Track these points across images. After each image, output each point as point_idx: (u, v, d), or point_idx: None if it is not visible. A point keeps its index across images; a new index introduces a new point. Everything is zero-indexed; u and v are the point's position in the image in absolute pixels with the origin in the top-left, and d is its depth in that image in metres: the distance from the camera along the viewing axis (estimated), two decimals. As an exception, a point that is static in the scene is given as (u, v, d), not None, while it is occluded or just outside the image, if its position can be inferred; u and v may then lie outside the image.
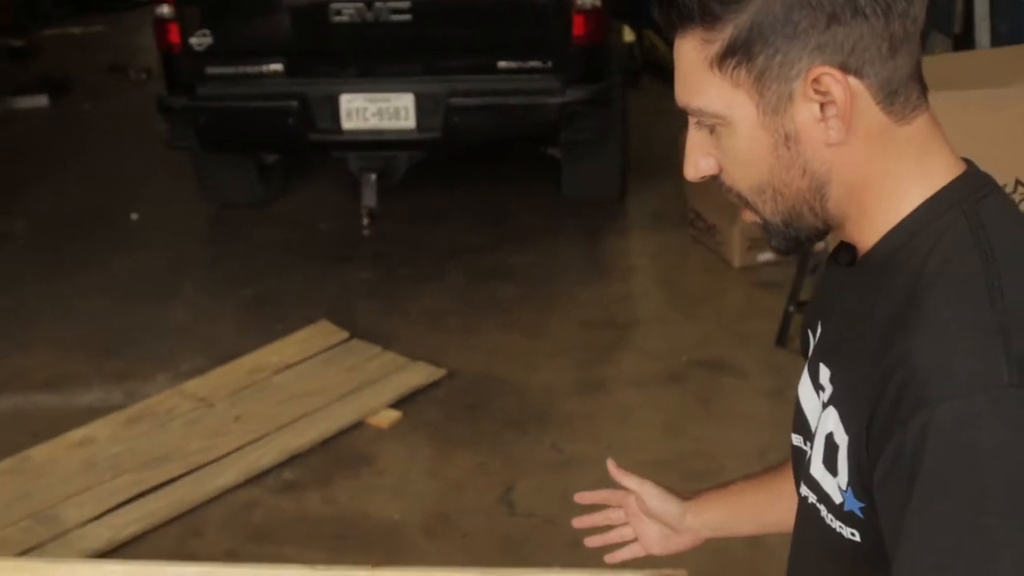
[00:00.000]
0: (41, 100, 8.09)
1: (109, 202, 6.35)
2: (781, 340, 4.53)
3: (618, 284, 5.34)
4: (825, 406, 1.22)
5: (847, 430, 1.16)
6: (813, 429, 1.26)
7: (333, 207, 6.17)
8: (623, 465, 1.79)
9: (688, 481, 3.68)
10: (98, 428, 4.05)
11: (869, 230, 1.18)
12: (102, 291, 5.32)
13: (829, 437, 1.20)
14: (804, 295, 4.45)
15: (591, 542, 1.93)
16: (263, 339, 4.69)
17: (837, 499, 1.19)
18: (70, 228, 6.05)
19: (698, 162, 1.22)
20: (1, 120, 7.74)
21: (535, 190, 6.13)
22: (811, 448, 1.25)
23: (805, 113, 1.13)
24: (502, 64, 5.20)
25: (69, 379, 4.54)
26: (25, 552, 3.36)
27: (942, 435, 1.03)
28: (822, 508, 1.23)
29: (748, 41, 1.12)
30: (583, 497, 1.89)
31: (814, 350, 1.31)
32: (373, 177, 5.38)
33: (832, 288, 1.30)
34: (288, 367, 4.45)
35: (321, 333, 4.71)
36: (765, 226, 1.22)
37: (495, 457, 3.92)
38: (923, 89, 1.17)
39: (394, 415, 4.14)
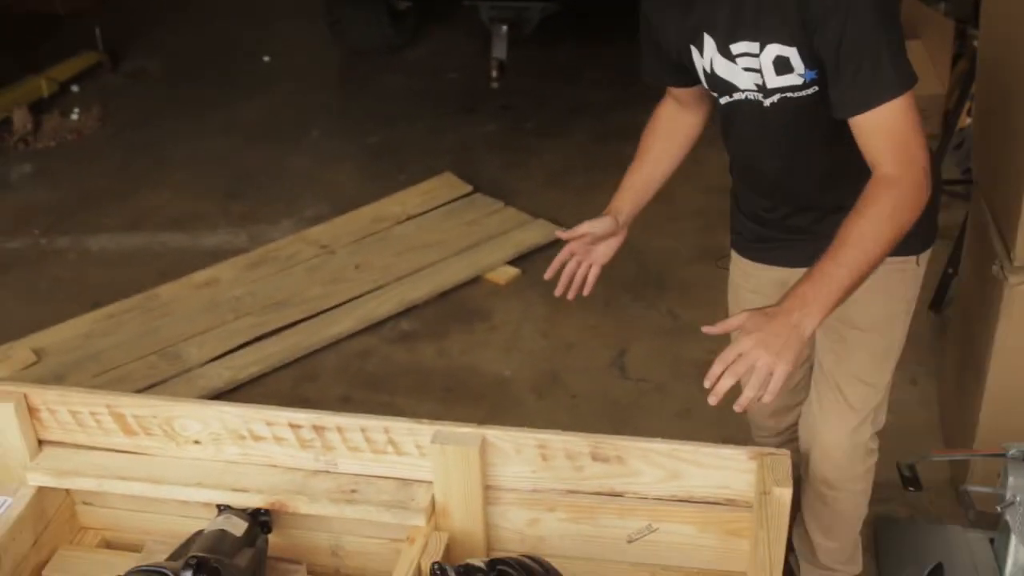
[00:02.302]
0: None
1: (242, 43, 6.39)
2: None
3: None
4: (762, 49, 1.99)
5: (791, 45, 1.96)
6: (744, 77, 2.07)
7: (462, 57, 6.10)
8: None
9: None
10: (222, 270, 4.14)
11: None
12: (231, 133, 5.38)
13: (777, 59, 1.99)
14: (944, 173, 4.28)
15: (558, 292, 2.48)
16: (386, 188, 4.71)
17: (799, 82, 2.01)
18: (202, 68, 6.11)
19: None
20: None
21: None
22: (761, 77, 2.03)
23: None
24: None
25: (196, 220, 4.63)
26: (148, 387, 3.47)
27: None
28: (789, 94, 2.04)
29: None
30: (562, 233, 2.42)
31: (719, 41, 2.06)
32: (504, 28, 5.28)
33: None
34: (410, 218, 4.47)
35: (444, 185, 4.71)
36: None
37: (609, 320, 3.90)
38: None
39: (512, 272, 4.14)
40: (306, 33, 6.47)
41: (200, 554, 1.97)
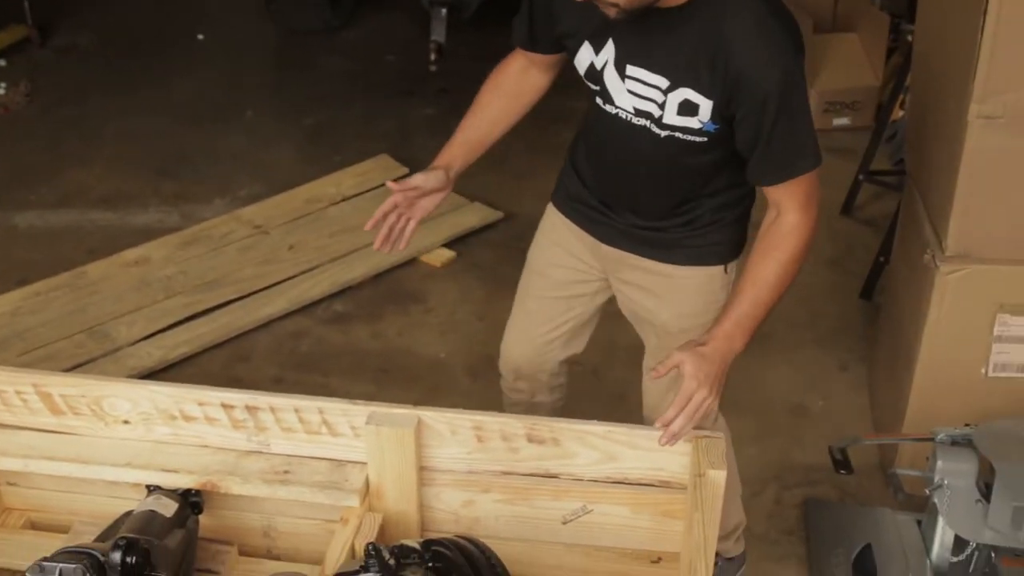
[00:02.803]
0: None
1: (176, 20, 6.29)
2: (847, 208, 4.43)
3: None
4: (673, 88, 2.08)
5: (708, 96, 2.06)
6: (625, 98, 2.15)
7: (401, 40, 6.05)
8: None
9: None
10: (153, 248, 4.08)
11: None
12: (164, 111, 5.30)
13: (684, 102, 2.09)
14: (876, 163, 4.33)
15: (376, 245, 2.40)
16: (322, 170, 4.67)
17: (696, 127, 2.11)
18: (136, 44, 6.01)
19: None
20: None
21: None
22: (660, 110, 2.12)
23: None
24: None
25: (127, 198, 4.55)
26: (77, 366, 3.41)
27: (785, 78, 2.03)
28: (679, 135, 2.14)
29: None
30: (393, 184, 2.33)
31: (620, 55, 2.12)
32: (444, 11, 5.24)
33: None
34: (345, 199, 4.43)
35: (380, 167, 4.68)
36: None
37: (545, 303, 3.89)
38: None
39: (447, 255, 4.12)
40: (242, 12, 6.40)
41: (129, 535, 1.94)
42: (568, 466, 2.28)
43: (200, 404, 2.29)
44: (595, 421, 2.26)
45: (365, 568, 1.89)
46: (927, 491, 2.47)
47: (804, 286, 3.96)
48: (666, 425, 2.07)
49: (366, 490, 2.27)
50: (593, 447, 2.25)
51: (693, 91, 2.08)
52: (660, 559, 2.37)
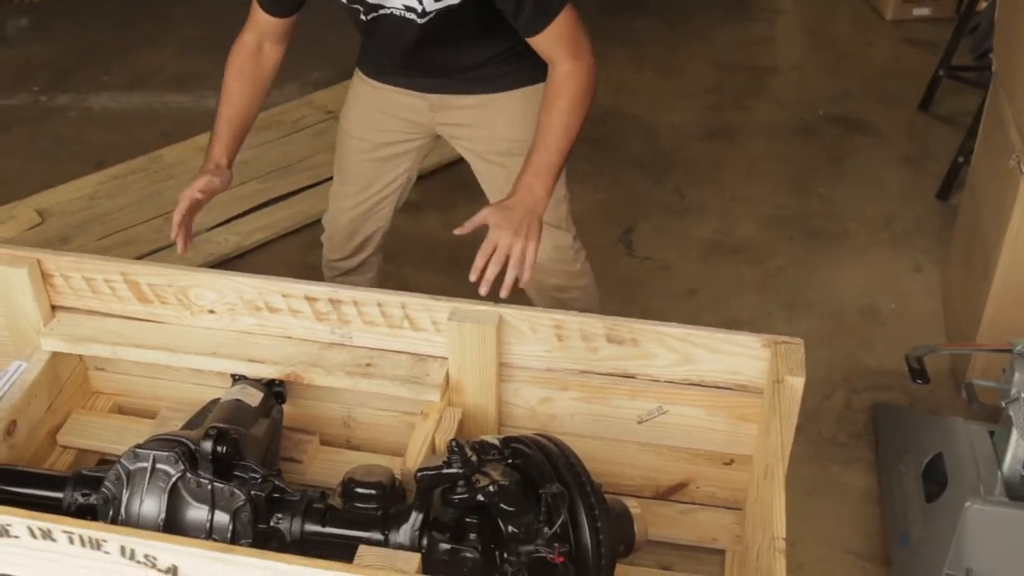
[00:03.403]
0: None
1: None
2: (925, 104, 4.34)
3: (760, 26, 5.13)
4: None
5: None
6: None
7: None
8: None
9: (806, 240, 3.64)
10: (226, 133, 4.08)
11: None
12: (232, -9, 5.26)
13: None
14: (958, 58, 4.23)
15: (180, 250, 2.46)
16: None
17: (456, 2, 2.23)
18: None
19: None
20: None
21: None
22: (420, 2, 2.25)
23: None
24: None
25: (199, 80, 4.56)
26: (155, 251, 3.45)
27: None
28: (443, 12, 2.25)
29: None
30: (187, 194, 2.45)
31: None
32: None
33: None
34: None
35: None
36: None
37: (616, 196, 3.89)
38: None
39: (519, 144, 4.09)
40: None
41: (219, 425, 1.99)
42: (646, 367, 2.29)
43: (284, 296, 2.32)
44: (674, 323, 2.27)
45: (448, 463, 1.92)
46: (1003, 403, 2.46)
47: (879, 183, 3.92)
48: (480, 274, 2.19)
49: (446, 385, 2.30)
50: (671, 349, 2.26)
51: None
52: (732, 461, 2.39)
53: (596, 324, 2.25)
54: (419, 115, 2.64)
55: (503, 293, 2.21)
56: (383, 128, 2.69)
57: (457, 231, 2.25)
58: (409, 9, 2.33)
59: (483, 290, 2.19)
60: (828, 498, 2.82)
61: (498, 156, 2.63)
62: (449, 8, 2.30)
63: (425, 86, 2.57)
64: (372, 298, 2.28)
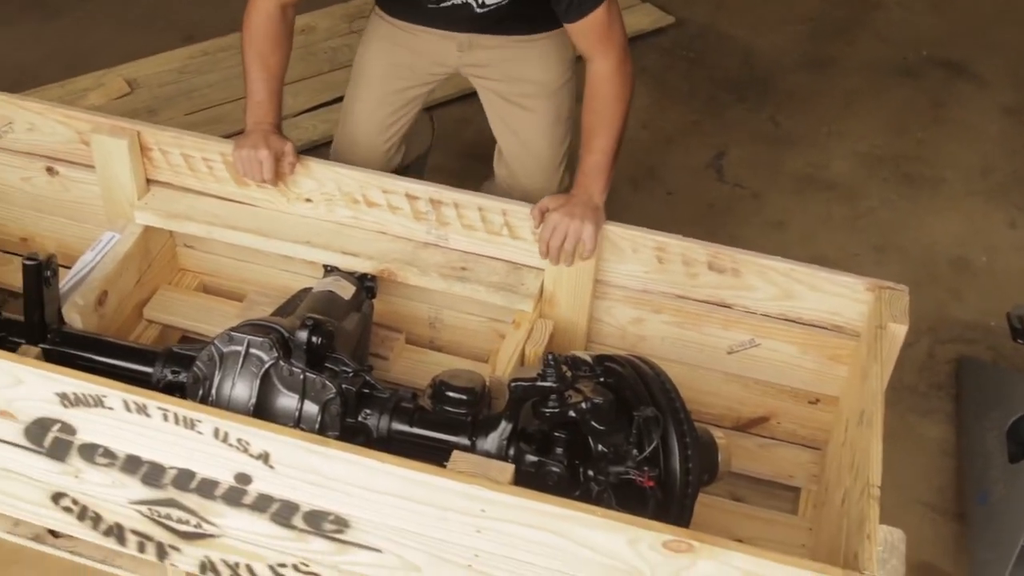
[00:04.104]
0: None
1: None
2: (1032, 54, 4.20)
3: (868, -43, 4.96)
4: None
5: None
6: None
7: None
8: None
9: (899, 184, 3.56)
10: (318, 18, 4.03)
11: None
12: None
13: None
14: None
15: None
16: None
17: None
18: None
19: None
20: None
21: None
22: None
23: None
24: None
25: (294, -39, 4.48)
26: (241, 132, 3.39)
27: None
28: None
29: None
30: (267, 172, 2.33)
31: None
32: None
33: None
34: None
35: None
36: None
37: (709, 118, 3.80)
38: None
39: (612, 57, 4.01)
40: None
41: (316, 316, 1.97)
42: (744, 298, 2.25)
43: (384, 191, 2.29)
44: (778, 257, 2.22)
45: (543, 376, 1.90)
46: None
47: (978, 132, 3.81)
48: (546, 255, 2.22)
49: (540, 296, 2.27)
50: (773, 283, 2.21)
51: None
52: (818, 400, 2.36)
53: (699, 250, 2.21)
54: (445, 55, 2.58)
55: (566, 263, 2.23)
56: (403, 71, 2.62)
57: (533, 214, 2.24)
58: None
59: (555, 263, 2.23)
60: (903, 446, 2.77)
61: (523, 98, 2.60)
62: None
63: (457, 27, 2.51)
64: (473, 202, 2.25)
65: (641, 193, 3.43)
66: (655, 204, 3.39)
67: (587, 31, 2.30)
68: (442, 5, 2.38)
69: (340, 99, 3.60)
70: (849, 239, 3.34)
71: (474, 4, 2.37)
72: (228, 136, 3.29)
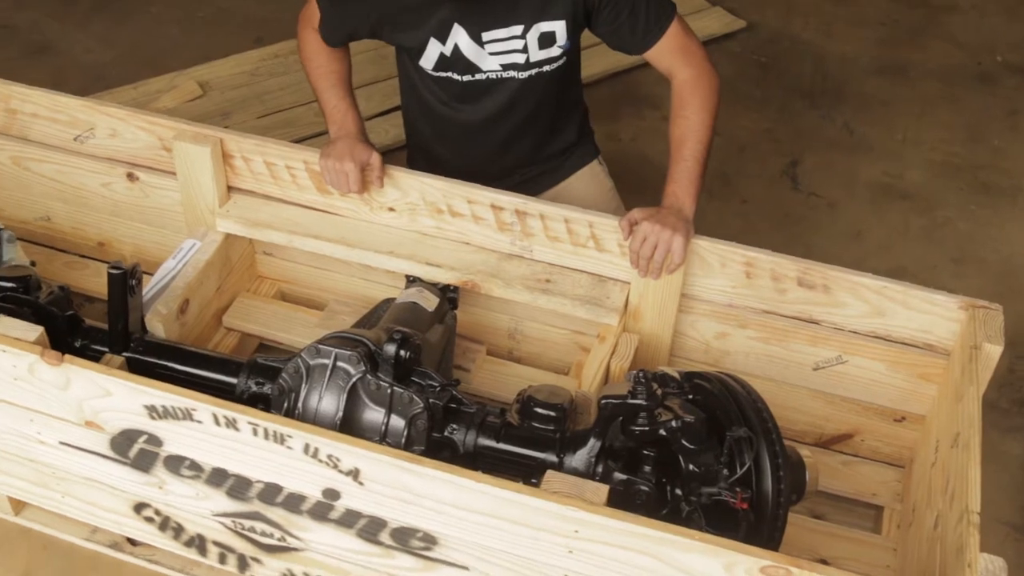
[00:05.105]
0: None
1: None
2: (1116, 57, 4.12)
3: (941, -40, 4.89)
4: (527, 31, 2.25)
5: (560, 19, 2.25)
6: (490, 60, 2.29)
7: None
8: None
9: (976, 194, 3.49)
10: None
11: None
12: None
13: (544, 35, 2.27)
14: None
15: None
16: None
17: (557, 53, 2.32)
18: None
19: None
20: None
21: None
22: (526, 51, 2.29)
23: None
24: None
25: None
26: (313, 136, 3.39)
27: None
28: (545, 68, 2.34)
29: None
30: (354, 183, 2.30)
31: (472, 31, 2.24)
32: None
33: None
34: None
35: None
36: None
37: (783, 125, 3.75)
38: None
39: (683, 61, 3.97)
40: None
41: (404, 329, 1.95)
42: (833, 315, 2.21)
43: (469, 202, 2.27)
44: (870, 274, 2.18)
45: (633, 394, 1.87)
46: None
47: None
48: (635, 256, 2.18)
49: (624, 310, 2.24)
50: (864, 300, 2.17)
51: (547, 21, 2.26)
52: (904, 418, 2.31)
53: (789, 266, 2.17)
54: None
55: (653, 276, 2.19)
56: None
57: (622, 225, 2.21)
58: (508, 67, 2.33)
59: (644, 275, 2.21)
60: (985, 465, 2.71)
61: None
62: (550, 60, 2.34)
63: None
64: (560, 213, 2.22)
65: (716, 201, 3.39)
66: (730, 213, 3.35)
67: (665, 50, 2.31)
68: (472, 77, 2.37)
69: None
70: (927, 250, 3.28)
71: (518, 62, 2.36)
72: (299, 140, 3.30)
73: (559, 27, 2.28)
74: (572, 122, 2.60)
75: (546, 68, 2.35)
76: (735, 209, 3.37)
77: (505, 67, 2.33)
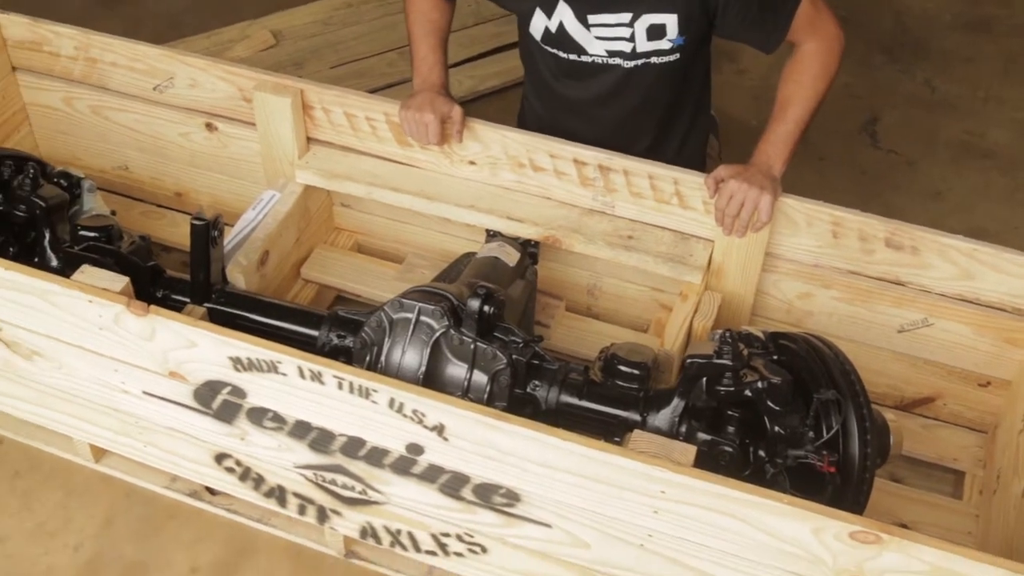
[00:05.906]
0: None
1: None
2: None
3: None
4: (635, 19, 2.19)
5: (671, 12, 2.18)
6: (596, 45, 2.24)
7: None
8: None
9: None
10: (461, -30, 3.98)
11: None
12: None
13: (653, 26, 2.20)
14: None
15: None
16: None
17: (667, 47, 2.23)
18: None
19: None
20: None
21: None
22: (633, 39, 2.22)
23: None
24: None
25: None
26: (387, 87, 3.38)
27: None
28: (654, 59, 2.25)
29: None
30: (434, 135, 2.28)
31: (578, 11, 2.20)
32: None
33: None
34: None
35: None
36: None
37: (862, 80, 3.67)
38: None
39: (759, 14, 3.90)
40: None
41: (488, 285, 1.93)
42: (920, 276, 2.17)
43: (552, 156, 2.24)
44: (959, 236, 2.13)
45: (719, 354, 1.85)
46: None
47: None
48: (721, 213, 2.14)
49: (708, 268, 2.21)
50: (953, 262, 2.13)
51: (656, 12, 2.19)
52: (989, 383, 2.27)
53: (877, 226, 2.13)
54: None
55: (739, 234, 2.16)
56: None
57: (707, 182, 2.17)
58: (616, 55, 2.27)
59: (732, 234, 2.17)
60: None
61: None
62: (659, 52, 2.26)
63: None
64: (644, 169, 2.19)
65: (793, 158, 3.33)
66: (807, 170, 3.29)
67: (795, 28, 2.22)
68: (579, 58, 2.32)
69: (485, 54, 3.60)
70: (1009, 212, 3.21)
71: (624, 50, 2.29)
72: (372, 91, 3.28)
73: (670, 20, 2.21)
74: (686, 127, 2.47)
75: (654, 60, 2.27)
76: (812, 165, 3.31)
77: (611, 53, 2.27)
